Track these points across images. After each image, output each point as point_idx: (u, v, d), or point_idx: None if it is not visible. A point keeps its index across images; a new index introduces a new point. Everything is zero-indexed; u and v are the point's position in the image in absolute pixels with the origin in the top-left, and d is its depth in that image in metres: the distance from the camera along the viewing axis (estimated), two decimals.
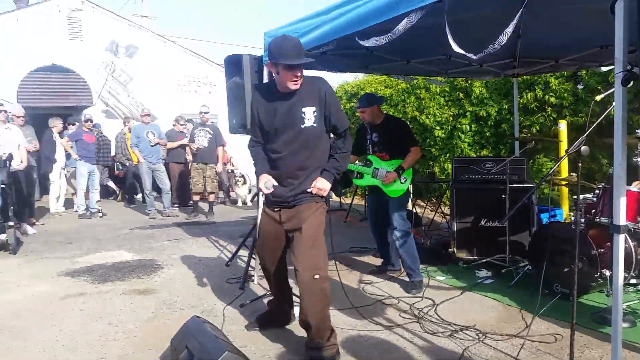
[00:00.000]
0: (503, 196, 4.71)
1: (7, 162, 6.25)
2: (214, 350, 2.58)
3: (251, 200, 10.09)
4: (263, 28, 5.65)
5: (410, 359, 3.00)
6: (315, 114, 2.91)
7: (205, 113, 8.62)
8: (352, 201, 8.45)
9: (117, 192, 11.48)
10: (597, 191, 4.00)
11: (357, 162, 4.57)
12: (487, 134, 8.07)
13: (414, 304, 3.89)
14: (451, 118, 8.53)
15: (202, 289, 4.50)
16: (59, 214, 9.21)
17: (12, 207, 6.07)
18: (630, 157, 3.62)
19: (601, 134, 4.41)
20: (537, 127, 7.19)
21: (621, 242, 2.20)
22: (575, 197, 2.82)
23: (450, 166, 7.26)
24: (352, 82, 11.44)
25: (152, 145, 8.76)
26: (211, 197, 8.72)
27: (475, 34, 2.89)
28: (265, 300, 3.80)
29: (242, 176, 10.18)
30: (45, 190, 10.17)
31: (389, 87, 9.93)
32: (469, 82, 8.11)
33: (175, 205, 9.72)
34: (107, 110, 13.36)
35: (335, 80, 14.67)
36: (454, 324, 3.47)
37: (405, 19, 2.82)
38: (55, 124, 9.09)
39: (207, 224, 8.08)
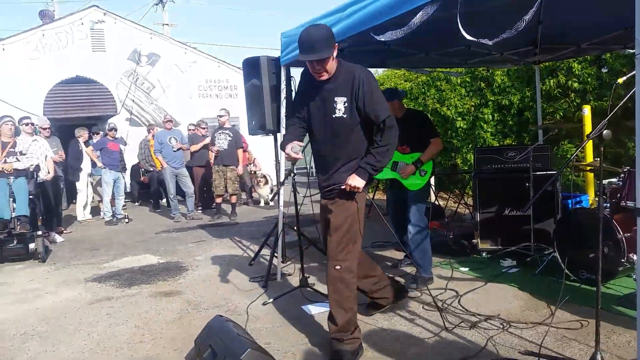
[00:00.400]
0: (527, 184, 4.62)
1: (35, 173, 6.43)
2: (236, 348, 2.60)
3: (272, 200, 10.14)
4: (282, 28, 5.66)
5: (433, 351, 2.97)
6: (346, 104, 2.83)
7: (222, 116, 8.70)
8: (373, 195, 8.41)
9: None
10: (622, 175, 3.89)
11: None
12: (510, 122, 7.93)
13: (437, 295, 3.84)
14: (473, 108, 8.42)
15: (226, 288, 4.55)
16: (87, 222, 9.43)
17: (40, 217, 6.22)
18: None
19: (627, 117, 4.28)
20: (561, 114, 7.04)
21: None
22: (599, 181, 2.75)
23: (472, 157, 7.16)
24: None
25: (174, 151, 8.91)
26: (233, 199, 8.80)
27: (493, 24, 2.84)
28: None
29: (264, 177, 10.23)
30: (72, 199, 10.41)
31: (408, 80, 9.86)
32: (490, 71, 7.99)
33: (199, 208, 9.85)
34: (131, 119, 13.62)
35: None
36: (478, 315, 3.42)
37: (421, 12, 2.78)
38: (81, 134, 9.31)
39: (230, 225, 8.16)
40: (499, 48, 5.15)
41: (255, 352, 2.58)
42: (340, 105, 2.84)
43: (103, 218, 9.34)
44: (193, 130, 10.31)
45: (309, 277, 4.26)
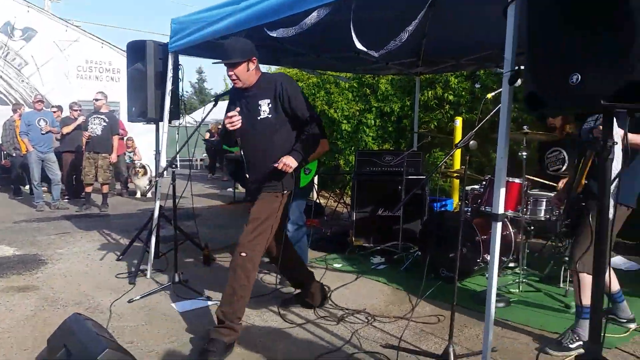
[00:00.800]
0: (400, 187, 4.89)
1: None
2: (93, 348, 2.44)
3: (148, 192, 9.70)
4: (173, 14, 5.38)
5: (300, 345, 3.02)
6: (270, 105, 3.04)
7: (98, 100, 8.12)
8: None
9: None
10: (484, 182, 4.27)
11: None
12: (390, 128, 8.36)
13: None
14: (357, 113, 8.75)
15: (88, 284, 4.22)
16: None
17: None
18: (517, 152, 3.91)
19: (493, 130, 4.71)
20: (435, 123, 7.55)
21: (498, 229, 2.32)
22: (463, 188, 2.99)
23: (354, 159, 7.43)
24: None
25: (43, 134, 8.13)
26: (104, 189, 8.26)
27: (381, 33, 2.97)
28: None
29: (143, 167, 9.71)
30: None
31: (300, 80, 9.97)
32: (376, 79, 8.34)
33: (66, 197, 9.12)
34: None
35: None
36: (346, 309, 3.54)
37: (314, 13, 2.84)
38: None
39: (99, 217, 7.62)
40: (385, 57, 5.40)
41: (114, 352, 2.44)
42: (265, 107, 3.05)
43: None
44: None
45: (182, 273, 4.12)
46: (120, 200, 9.53)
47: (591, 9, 1.68)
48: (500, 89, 2.35)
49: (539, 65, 1.89)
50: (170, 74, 4.39)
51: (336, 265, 4.72)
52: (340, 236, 5.48)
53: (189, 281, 4.13)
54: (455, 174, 5.43)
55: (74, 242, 5.78)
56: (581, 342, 2.79)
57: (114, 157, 8.34)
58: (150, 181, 9.58)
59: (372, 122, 8.50)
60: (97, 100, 8.13)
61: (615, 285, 3.04)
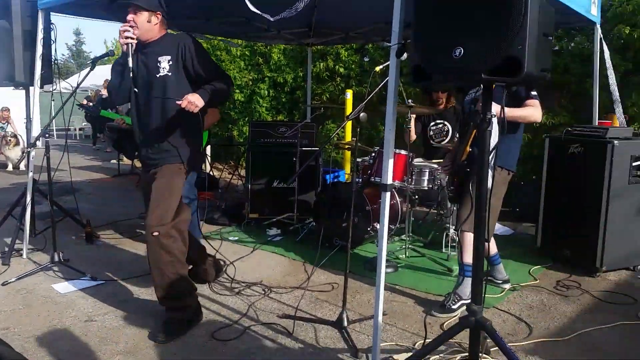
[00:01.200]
0: (294, 159, 4.92)
1: None
2: None
3: (19, 163, 8.81)
4: None
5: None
6: (171, 63, 2.82)
7: None
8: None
9: None
10: (373, 154, 4.43)
11: None
12: (284, 99, 8.35)
13: None
14: (251, 82, 8.59)
15: None
16: None
17: None
18: (402, 125, 4.09)
19: (381, 103, 4.89)
20: (327, 95, 7.68)
21: (387, 198, 2.42)
22: (354, 159, 3.09)
23: (247, 130, 7.34)
24: None
25: None
26: None
27: (274, 1, 2.90)
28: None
29: (15, 136, 8.78)
30: None
31: None
32: (269, 47, 8.22)
33: None
34: None
35: None
36: (243, 282, 3.53)
37: None
38: None
39: None
40: (277, 25, 5.33)
41: None
42: (165, 64, 2.82)
43: None
44: None
45: (63, 252, 3.83)
46: None
47: None
48: (388, 62, 2.42)
49: (424, 38, 1.97)
50: (40, 34, 3.98)
51: (232, 239, 4.68)
52: (235, 208, 5.42)
53: (71, 261, 3.86)
54: (346, 146, 5.58)
55: None
56: (462, 302, 3.04)
57: None
58: (23, 152, 8.69)
59: (266, 92, 8.42)
60: None
61: (493, 249, 3.34)
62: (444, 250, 4.20)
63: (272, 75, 8.36)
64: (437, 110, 4.42)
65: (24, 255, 4.06)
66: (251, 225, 5.05)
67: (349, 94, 6.45)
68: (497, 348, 2.13)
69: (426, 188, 4.10)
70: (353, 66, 7.37)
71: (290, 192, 4.94)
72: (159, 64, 2.82)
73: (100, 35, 62.87)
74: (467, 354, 2.29)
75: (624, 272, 3.83)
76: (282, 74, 8.21)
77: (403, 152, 4.01)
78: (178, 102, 2.69)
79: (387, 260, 3.40)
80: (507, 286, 3.45)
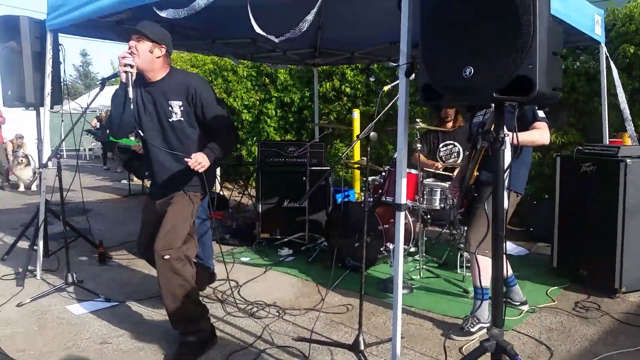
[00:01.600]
0: (304, 178, 4.94)
1: None
2: None
3: (32, 184, 8.90)
4: None
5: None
6: (182, 108, 2.81)
7: None
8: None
9: None
10: (383, 173, 4.44)
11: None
12: (291, 119, 8.40)
13: (218, 287, 3.83)
14: (258, 102, 8.66)
15: None
16: None
17: None
18: (411, 144, 4.10)
19: (388, 122, 4.92)
20: (335, 115, 7.72)
21: (401, 218, 2.41)
22: (365, 178, 3.09)
23: (256, 149, 7.39)
24: None
25: None
26: None
27: (279, 22, 2.94)
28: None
29: (26, 157, 8.86)
30: None
31: (195, 66, 9.63)
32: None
33: None
34: None
35: None
36: (256, 303, 3.52)
37: None
38: None
39: None
40: (283, 46, 5.41)
41: None
42: (177, 109, 2.81)
43: None
44: None
45: (76, 273, 3.83)
46: (1, 194, 8.68)
47: (481, 3, 1.78)
48: (395, 82, 2.43)
49: (433, 57, 1.96)
50: (49, 55, 4.04)
51: (244, 259, 4.67)
52: (247, 229, 5.42)
53: (84, 281, 3.86)
54: (356, 165, 5.59)
55: None
56: (480, 325, 3.00)
57: None
58: (34, 172, 8.78)
59: (273, 112, 8.49)
60: None
61: (508, 271, 3.30)
62: (458, 271, 4.17)
63: (279, 95, 8.44)
64: (445, 129, 4.46)
65: (38, 276, 4.07)
66: (262, 245, 5.05)
67: (357, 113, 6.50)
68: None
69: (438, 207, 4.09)
70: (359, 86, 7.43)
71: (301, 212, 4.94)
72: (171, 108, 2.81)
73: (107, 56, 63.77)
74: None
75: None
76: (288, 94, 8.28)
77: (414, 171, 4.02)
78: (187, 159, 2.71)
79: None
80: (525, 308, 3.39)
